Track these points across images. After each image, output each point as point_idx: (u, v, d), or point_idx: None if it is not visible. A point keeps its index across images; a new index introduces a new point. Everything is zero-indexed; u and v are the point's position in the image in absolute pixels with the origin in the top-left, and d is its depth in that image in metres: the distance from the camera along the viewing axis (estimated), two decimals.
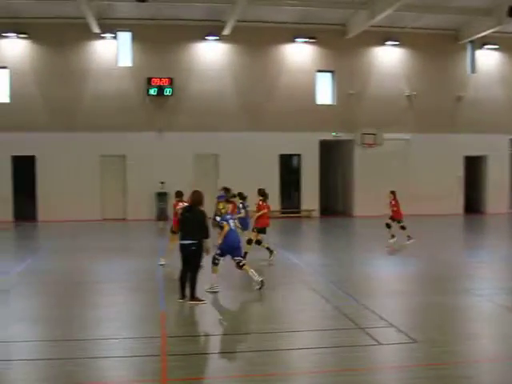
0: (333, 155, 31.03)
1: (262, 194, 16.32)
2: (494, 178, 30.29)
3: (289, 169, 30.17)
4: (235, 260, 12.42)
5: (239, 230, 13.78)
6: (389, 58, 29.49)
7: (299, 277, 14.26)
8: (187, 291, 11.39)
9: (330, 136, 29.05)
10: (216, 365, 8.27)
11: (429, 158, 29.35)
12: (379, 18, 25.48)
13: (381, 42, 29.13)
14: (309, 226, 26.80)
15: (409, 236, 19.05)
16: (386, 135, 29.01)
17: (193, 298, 11.28)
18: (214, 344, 9.31)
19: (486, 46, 29.97)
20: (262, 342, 9.17)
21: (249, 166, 27.41)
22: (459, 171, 30.11)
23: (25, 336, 9.35)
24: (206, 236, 11.34)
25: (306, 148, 28.86)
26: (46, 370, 7.82)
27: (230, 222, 12.53)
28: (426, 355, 8.49)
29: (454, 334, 9.66)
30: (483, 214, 30.70)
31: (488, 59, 30.34)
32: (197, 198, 11.62)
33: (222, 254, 12.40)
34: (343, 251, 18.81)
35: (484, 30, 27.58)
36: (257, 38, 28.09)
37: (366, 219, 26.99)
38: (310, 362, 8.27)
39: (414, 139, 29.40)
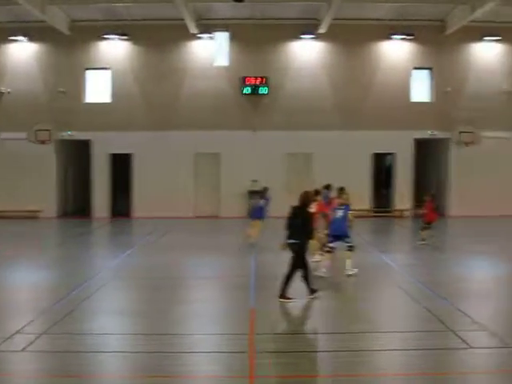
0: (428, 154, 30.36)
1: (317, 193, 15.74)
2: None
3: (382, 168, 29.74)
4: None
5: None
6: (488, 53, 28.49)
7: (391, 277, 14.08)
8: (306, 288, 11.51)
9: (426, 134, 28.43)
10: (304, 363, 8.27)
11: None
12: (479, 13, 24.72)
13: (480, 37, 28.17)
14: (400, 226, 26.26)
15: (423, 240, 18.55)
16: (485, 133, 28.10)
17: (282, 295, 11.34)
18: (303, 342, 9.34)
19: None
20: (350, 341, 9.10)
21: (341, 165, 27.20)
22: None
23: (112, 329, 9.72)
24: (310, 237, 11.49)
25: (401, 146, 28.38)
26: (135, 362, 8.09)
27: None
28: None
29: None
30: None
31: None
32: (306, 199, 11.71)
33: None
34: (434, 252, 18.30)
35: None
36: (352, 36, 27.86)
37: (461, 219, 26.34)
38: (399, 363, 8.19)
39: None
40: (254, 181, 27.25)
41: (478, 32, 27.91)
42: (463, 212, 27.15)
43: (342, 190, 15.14)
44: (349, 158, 27.67)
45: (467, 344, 8.78)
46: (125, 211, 28.43)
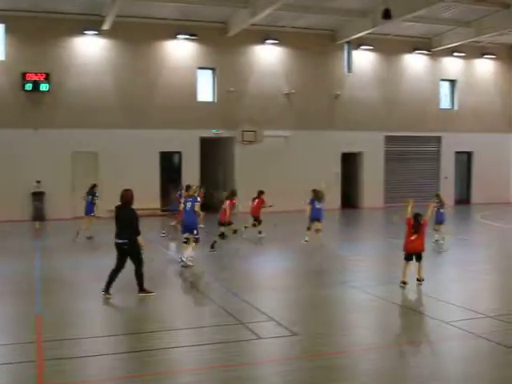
0: (215, 152, 31.08)
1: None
2: (369, 173, 31.45)
3: (170, 166, 29.82)
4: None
5: None
6: (269, 56, 29.90)
7: (197, 276, 14.24)
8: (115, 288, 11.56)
9: (211, 133, 29.09)
10: (95, 367, 8.06)
11: (307, 155, 30.05)
12: (260, 17, 25.79)
13: (261, 40, 29.47)
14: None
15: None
16: (266, 132, 29.42)
17: (141, 290, 11.72)
18: (94, 346, 9.03)
19: (362, 47, 31.02)
20: (143, 341, 9.09)
21: (129, 164, 26.94)
22: (337, 168, 30.98)
23: None
24: (137, 234, 11.54)
25: (187, 145, 28.72)
26: None
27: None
28: (305, 347, 8.73)
29: (332, 325, 9.96)
30: (359, 208, 31.75)
31: (363, 59, 31.43)
32: (127, 198, 11.74)
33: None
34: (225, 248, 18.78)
35: (360, 32, 28.58)
36: (138, 34, 27.58)
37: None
38: (193, 359, 8.28)
39: (292, 136, 29.96)
40: (38, 181, 26.05)
41: (260, 35, 29.16)
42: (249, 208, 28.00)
43: (189, 187, 16.69)
44: (137, 157, 27.43)
45: (256, 335, 9.13)
46: None
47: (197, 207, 14.84)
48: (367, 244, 19.82)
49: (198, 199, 15.26)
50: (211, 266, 15.51)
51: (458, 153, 33.86)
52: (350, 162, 31.70)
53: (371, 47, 31.20)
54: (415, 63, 32.76)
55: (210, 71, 29.50)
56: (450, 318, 10.06)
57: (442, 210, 18.47)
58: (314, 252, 17.46)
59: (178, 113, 28.18)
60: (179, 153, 29.27)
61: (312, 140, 30.15)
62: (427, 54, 32.66)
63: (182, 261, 14.72)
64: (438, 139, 33.30)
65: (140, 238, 11.57)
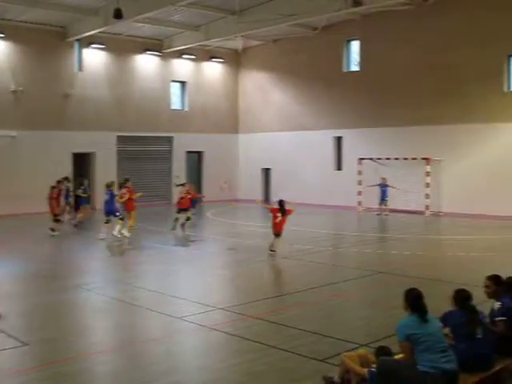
0: None
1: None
2: (102, 173, 30.93)
3: None
4: None
5: None
6: None
7: None
8: None
9: None
10: None
11: (37, 156, 28.78)
12: None
13: None
14: None
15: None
16: None
17: None
18: None
19: (93, 45, 30.59)
20: None
21: None
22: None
23: None
24: None
25: None
26: None
27: None
28: (39, 356, 8.45)
29: (68, 330, 9.76)
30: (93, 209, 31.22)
31: (95, 58, 31.06)
32: None
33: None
34: None
35: (91, 30, 28.10)
36: None
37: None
38: None
39: (20, 136, 28.44)
40: None
41: None
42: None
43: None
44: None
45: None
46: None
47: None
48: (92, 247, 19.66)
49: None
50: None
51: (189, 152, 35.01)
52: (82, 163, 31.06)
53: (103, 46, 30.91)
54: (147, 64, 33.18)
55: None
56: (182, 314, 10.43)
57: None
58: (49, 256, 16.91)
59: None
60: None
61: (42, 140, 28.85)
62: (158, 56, 33.29)
63: (114, 235, 19.18)
64: (170, 139, 34.11)
65: None
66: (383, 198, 27.31)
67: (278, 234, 16.55)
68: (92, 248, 18.68)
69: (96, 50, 30.96)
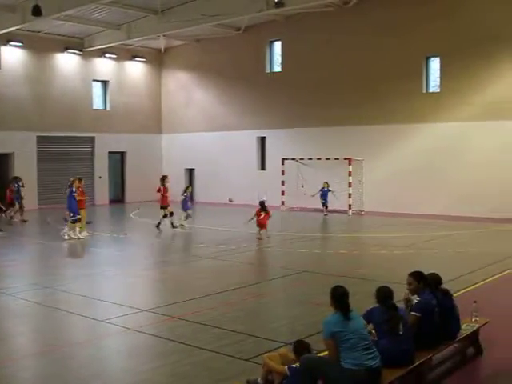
0: None
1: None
2: (21, 174, 30.05)
3: None
4: None
5: None
6: None
7: None
8: None
9: None
10: None
11: None
12: None
13: None
14: None
15: None
16: None
17: None
18: None
19: (11, 43, 29.81)
20: None
21: None
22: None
23: None
24: None
25: None
26: None
27: None
28: None
29: None
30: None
31: (13, 56, 30.27)
32: None
33: None
34: None
35: (8, 27, 27.31)
36: None
37: None
38: None
39: None
40: None
41: None
42: None
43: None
44: None
45: None
46: None
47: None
48: (22, 248, 19.19)
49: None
50: None
51: (111, 153, 34.54)
52: (0, 163, 30.19)
53: (21, 44, 30.13)
54: (68, 62, 32.59)
55: None
56: (106, 316, 10.32)
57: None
58: None
59: None
60: None
61: None
62: (79, 54, 32.72)
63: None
64: (92, 139, 33.60)
65: None
66: (325, 200, 27.73)
67: (262, 227, 19.94)
68: (25, 251, 18.24)
69: (14, 48, 30.19)
